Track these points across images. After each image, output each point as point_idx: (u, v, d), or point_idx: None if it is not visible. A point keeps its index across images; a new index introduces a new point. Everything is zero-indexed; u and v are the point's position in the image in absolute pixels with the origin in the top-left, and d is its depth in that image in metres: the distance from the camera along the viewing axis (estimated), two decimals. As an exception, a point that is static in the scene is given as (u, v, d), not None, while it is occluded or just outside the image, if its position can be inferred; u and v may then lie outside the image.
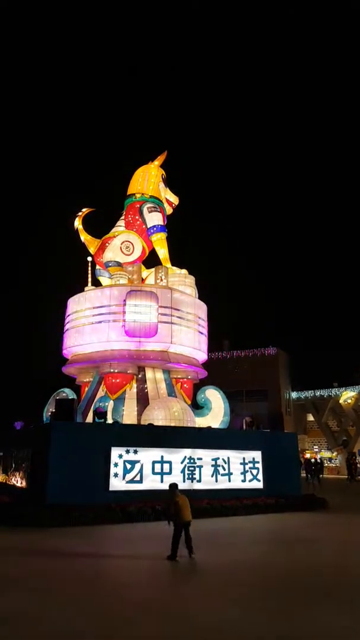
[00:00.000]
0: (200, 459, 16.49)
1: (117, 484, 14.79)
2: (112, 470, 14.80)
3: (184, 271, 22.83)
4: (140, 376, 20.25)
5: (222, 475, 16.85)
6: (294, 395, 48.32)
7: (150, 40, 72.31)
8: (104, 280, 22.73)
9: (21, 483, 16.57)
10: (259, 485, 17.53)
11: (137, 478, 15.16)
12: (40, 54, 71.60)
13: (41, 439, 15.27)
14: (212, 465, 16.72)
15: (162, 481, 15.37)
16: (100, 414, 17.16)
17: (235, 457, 17.30)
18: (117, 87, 76.51)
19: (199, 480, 16.23)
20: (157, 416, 18.02)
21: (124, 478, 14.95)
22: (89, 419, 19.04)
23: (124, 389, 19.52)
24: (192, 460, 16.31)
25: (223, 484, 16.73)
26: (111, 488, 14.66)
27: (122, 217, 23.44)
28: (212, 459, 16.76)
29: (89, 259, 22.94)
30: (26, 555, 9.71)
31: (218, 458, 16.90)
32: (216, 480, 16.64)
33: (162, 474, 15.54)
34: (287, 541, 11.73)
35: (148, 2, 67.13)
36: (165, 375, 20.93)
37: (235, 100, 78.10)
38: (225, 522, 14.05)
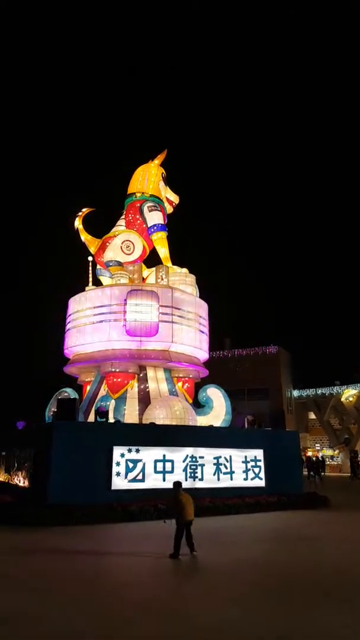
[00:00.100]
0: (202, 457, 16.51)
1: (119, 483, 14.82)
2: (114, 469, 14.83)
3: (185, 270, 22.81)
4: (141, 375, 20.27)
5: (224, 473, 16.87)
6: (295, 393, 48.31)
7: (150, 40, 72.27)
8: (104, 279, 22.74)
9: (23, 482, 16.62)
10: (261, 483, 17.55)
11: (139, 477, 15.19)
12: (40, 54, 71.58)
13: (43, 439, 15.30)
14: (214, 464, 16.74)
15: (164, 480, 15.41)
16: (102, 413, 17.19)
17: (237, 456, 17.32)
18: (117, 87, 76.48)
19: (201, 479, 16.25)
20: (159, 415, 18.04)
21: (126, 477, 14.98)
22: (91, 418, 19.08)
23: (125, 389, 19.54)
24: (194, 459, 16.33)
25: (225, 482, 16.76)
26: (113, 487, 14.69)
27: (123, 217, 23.44)
28: (214, 458, 16.78)
29: (90, 258, 22.93)
30: (28, 555, 9.74)
31: (220, 456, 16.92)
32: (218, 479, 16.66)
33: (164, 472, 15.56)
34: (289, 539, 11.74)
35: (148, 2, 67.06)
36: (166, 375, 20.94)
37: (235, 100, 78.04)
38: (227, 521, 14.07)
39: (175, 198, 24.61)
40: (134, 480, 15.09)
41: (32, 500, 14.40)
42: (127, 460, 15.10)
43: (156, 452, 15.65)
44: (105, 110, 77.43)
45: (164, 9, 69.12)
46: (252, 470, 17.57)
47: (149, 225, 22.62)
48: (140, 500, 14.41)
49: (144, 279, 23.09)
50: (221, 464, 16.90)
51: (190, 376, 22.09)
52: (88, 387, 21.75)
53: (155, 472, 15.45)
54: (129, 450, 15.18)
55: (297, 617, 6.28)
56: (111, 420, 17.80)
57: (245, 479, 17.30)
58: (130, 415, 19.09)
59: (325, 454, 45.26)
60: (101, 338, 19.70)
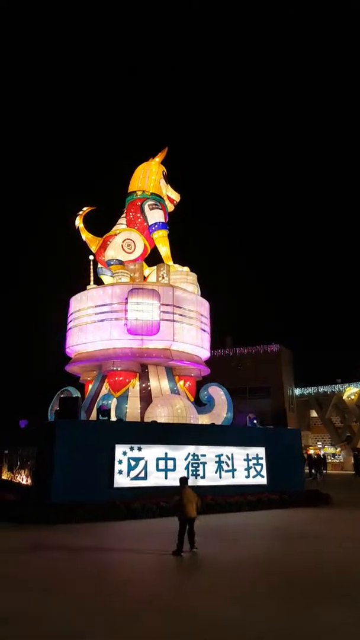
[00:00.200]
0: (204, 455, 16.56)
1: (121, 480, 14.88)
2: (117, 467, 14.89)
3: (186, 268, 22.80)
4: (143, 374, 20.31)
5: (226, 471, 16.92)
6: (297, 391, 48.33)
7: (150, 40, 72.19)
8: (106, 278, 22.75)
9: (26, 481, 16.69)
10: (263, 481, 17.59)
11: (142, 475, 15.24)
12: (41, 54, 71.53)
13: (46, 437, 15.36)
14: (216, 462, 16.79)
15: (166, 478, 15.47)
16: (104, 411, 17.25)
17: (238, 454, 17.36)
18: (117, 87, 76.43)
19: (203, 477, 16.30)
20: (160, 413, 18.09)
21: (128, 475, 15.04)
22: (93, 416, 19.14)
23: (127, 387, 19.59)
24: (195, 457, 16.38)
25: (227, 480, 16.81)
26: (115, 485, 14.75)
27: (123, 215, 23.41)
28: (216, 456, 16.83)
29: (91, 257, 22.94)
30: (31, 553, 9.79)
31: (222, 454, 16.97)
32: (220, 477, 16.71)
33: (166, 470, 15.62)
34: (290, 537, 11.77)
35: (148, 2, 66.97)
36: (168, 373, 20.98)
37: (235, 100, 77.92)
38: (229, 518, 14.11)
39: (176, 196, 24.57)
40: (136, 478, 15.14)
41: (34, 499, 14.46)
42: (129, 459, 15.15)
43: (158, 450, 15.70)
44: (105, 111, 77.43)
45: (164, 9, 69.05)
46: (254, 468, 17.61)
47: (150, 224, 22.60)
48: (142, 498, 14.47)
49: (145, 278, 23.10)
50: (223, 462, 16.94)
51: (192, 375, 22.11)
52: (90, 386, 21.81)
53: (158, 470, 15.51)
54: (131, 449, 15.24)
55: (299, 614, 6.31)
56: (113, 418, 17.85)
57: (247, 477, 17.35)
58: (132, 413, 19.15)
59: (327, 452, 45.28)
60: (102, 337, 19.74)
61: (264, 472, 17.72)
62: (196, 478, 16.03)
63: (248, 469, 17.45)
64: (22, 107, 72.87)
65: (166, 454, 15.81)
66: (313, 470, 29.88)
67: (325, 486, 23.04)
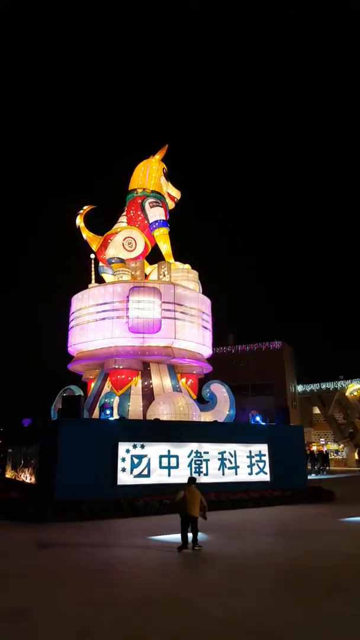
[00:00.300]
0: (206, 452, 16.59)
1: (124, 478, 14.93)
2: (120, 465, 14.93)
3: (187, 266, 22.79)
4: (144, 372, 20.34)
5: (229, 468, 16.95)
6: (299, 388, 48.31)
7: (150, 40, 72.01)
8: (107, 277, 22.77)
9: (30, 479, 16.77)
10: (266, 477, 17.62)
11: (145, 472, 15.29)
12: (41, 54, 71.43)
13: (49, 436, 15.41)
14: (219, 459, 16.82)
15: (169, 475, 15.51)
16: (107, 409, 17.29)
17: (241, 451, 17.38)
18: (117, 87, 76.29)
19: (206, 474, 16.33)
20: (163, 411, 18.12)
21: (131, 473, 15.08)
22: (96, 414, 19.19)
23: (129, 385, 19.63)
24: (198, 454, 16.41)
25: (230, 477, 16.84)
26: (119, 483, 14.80)
27: (124, 213, 23.40)
28: (219, 453, 16.86)
29: (92, 256, 22.96)
30: (36, 550, 9.84)
31: (224, 451, 17.00)
32: (223, 474, 16.74)
33: (169, 468, 15.66)
34: (294, 533, 11.80)
35: (148, 2, 66.76)
36: (170, 371, 21.01)
37: (235, 100, 77.70)
38: (232, 515, 14.14)
39: (177, 193, 24.52)
40: (140, 475, 15.19)
41: (38, 497, 14.52)
42: (132, 456, 15.20)
43: (161, 448, 15.74)
44: (105, 111, 77.34)
45: (164, 9, 68.84)
46: (257, 465, 17.64)
47: (150, 222, 22.57)
48: (145, 495, 14.51)
49: (146, 276, 23.10)
50: (226, 459, 16.98)
51: (194, 372, 22.13)
52: (92, 384, 21.86)
53: (161, 467, 15.55)
54: (134, 446, 15.28)
55: (305, 608, 6.33)
56: (116, 416, 17.90)
57: (250, 474, 17.38)
58: (135, 411, 19.19)
59: (330, 448, 45.28)
60: (104, 335, 19.77)
61: (267, 469, 17.75)
62: (199, 475, 16.05)
63: (251, 465, 17.48)
64: (23, 107, 72.85)
65: (169, 451, 15.85)
66: (316, 467, 30.35)
67: (328, 482, 23.04)
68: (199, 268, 23.24)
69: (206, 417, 20.13)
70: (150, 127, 74.13)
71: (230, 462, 17.05)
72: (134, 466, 15.16)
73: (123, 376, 19.66)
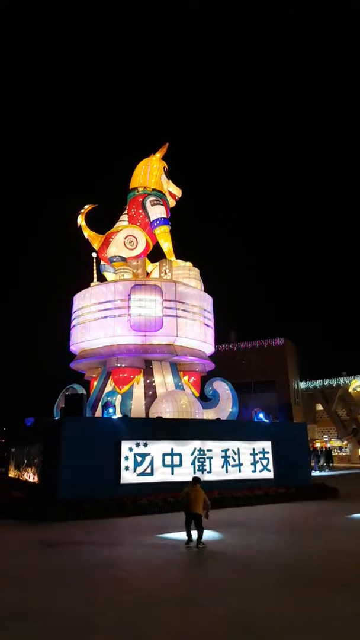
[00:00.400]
0: (210, 450, 16.56)
1: (128, 477, 14.91)
2: (123, 463, 14.92)
3: (189, 264, 22.74)
4: (147, 370, 20.32)
5: (233, 466, 16.92)
6: (302, 385, 48.20)
7: (150, 40, 71.78)
8: (109, 275, 22.75)
9: (33, 478, 16.77)
10: (270, 475, 17.59)
11: (148, 471, 15.27)
12: (41, 53, 71.33)
13: (52, 435, 15.41)
14: (222, 457, 16.79)
15: (172, 473, 15.49)
16: (109, 408, 17.27)
17: (245, 448, 17.35)
18: (117, 87, 76.16)
19: (209, 472, 16.31)
20: (165, 409, 18.10)
21: (134, 471, 15.07)
22: (98, 413, 19.18)
23: (131, 383, 19.61)
24: (202, 452, 16.39)
25: (233, 474, 16.81)
26: (122, 481, 14.78)
27: (125, 212, 23.40)
28: (222, 450, 16.83)
29: (94, 255, 22.95)
30: (40, 549, 9.84)
31: (228, 449, 16.96)
32: (226, 471, 16.71)
33: (172, 466, 15.63)
34: (298, 530, 11.77)
35: (148, 2, 66.55)
36: (172, 369, 20.98)
37: (235, 100, 77.47)
38: (236, 512, 14.12)
39: (177, 191, 24.49)
40: (143, 474, 15.17)
41: (42, 496, 14.52)
42: (135, 455, 15.18)
43: (164, 446, 15.71)
44: (105, 111, 77.25)
45: (164, 9, 68.60)
46: (260, 462, 17.60)
47: (151, 220, 22.55)
48: (149, 494, 14.49)
49: (148, 274, 23.06)
50: (229, 457, 16.94)
51: (196, 370, 22.09)
52: (95, 383, 21.85)
53: (164, 465, 15.53)
54: (137, 445, 15.25)
55: (307, 607, 6.29)
56: (118, 415, 17.88)
57: (254, 471, 17.34)
58: (137, 409, 19.17)
59: (334, 445, 45.21)
60: (106, 333, 19.75)
61: (270, 466, 17.71)
62: (203, 473, 16.03)
63: (254, 463, 17.44)
64: (23, 107, 72.80)
65: (172, 449, 15.82)
66: (320, 464, 30.47)
67: (332, 479, 22.99)
68: (202, 263, 23.22)
69: (209, 414, 20.09)
70: (150, 126, 74.00)
71: (234, 460, 17.02)
72: (137, 465, 15.14)
73: (125, 374, 19.64)
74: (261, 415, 19.91)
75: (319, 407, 49.67)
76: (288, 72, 75.56)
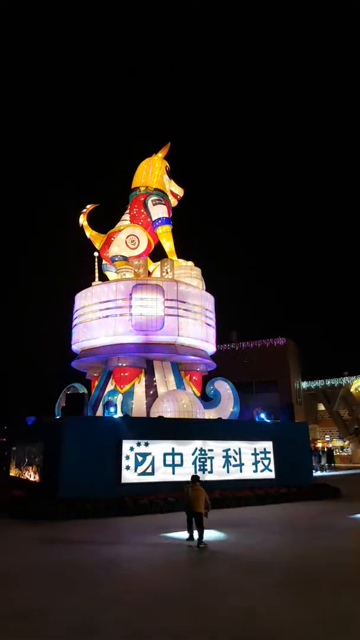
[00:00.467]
0: (211, 450, 16.53)
1: (128, 476, 14.89)
2: (124, 463, 14.90)
3: (190, 263, 22.72)
4: (148, 369, 20.30)
5: (234, 466, 16.89)
6: (304, 385, 48.13)
7: (150, 40, 71.71)
8: (110, 275, 22.75)
9: (34, 477, 16.77)
10: (271, 475, 17.55)
11: (149, 470, 15.25)
12: (41, 53, 71.35)
13: (53, 434, 15.41)
14: (224, 457, 16.76)
15: (173, 473, 15.47)
16: (110, 407, 17.25)
17: (246, 448, 17.32)
18: (117, 87, 76.15)
19: (211, 472, 16.28)
20: (166, 408, 18.07)
21: (135, 470, 15.05)
22: (99, 412, 19.17)
23: (132, 382, 19.59)
24: (203, 452, 16.36)
25: (235, 474, 16.78)
26: (123, 481, 14.77)
27: (127, 211, 23.41)
28: (223, 450, 16.80)
29: (96, 254, 22.96)
30: (41, 548, 9.84)
31: (229, 449, 16.93)
32: (227, 471, 16.68)
33: (173, 465, 15.61)
34: (300, 530, 11.74)
35: (148, 2, 66.48)
36: (173, 368, 20.96)
37: (236, 100, 77.38)
38: (238, 512, 14.09)
39: (179, 191, 24.48)
40: (144, 473, 15.15)
41: (43, 495, 14.52)
42: (136, 454, 15.16)
43: (165, 446, 15.69)
44: (105, 110, 77.24)
45: (164, 9, 68.53)
46: (262, 462, 17.57)
47: (153, 219, 22.54)
48: (150, 493, 14.47)
49: (149, 273, 23.04)
50: (230, 457, 16.91)
51: (198, 369, 22.07)
52: (96, 382, 21.85)
53: (165, 465, 15.50)
54: (138, 444, 15.24)
55: (308, 607, 6.27)
56: (119, 414, 17.87)
57: (255, 471, 17.31)
58: (138, 409, 19.15)
59: (335, 445, 45.13)
60: (107, 333, 19.74)
61: (271, 466, 17.67)
62: (204, 473, 16.01)
63: (256, 463, 17.41)
64: (23, 107, 72.84)
65: (173, 449, 15.79)
66: (321, 464, 30.45)
67: (334, 479, 22.94)
68: (203, 262, 23.19)
69: (210, 414, 20.06)
70: (150, 127, 73.99)
71: (235, 460, 16.99)
72: (138, 464, 15.12)
73: (127, 374, 19.63)
74: (262, 415, 19.87)
75: (321, 407, 49.58)
76: (288, 72, 75.46)
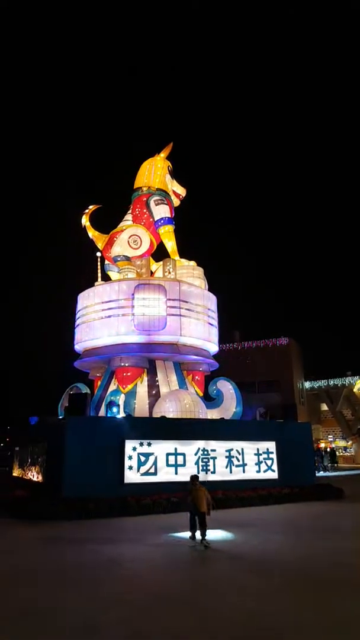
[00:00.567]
0: (214, 450, 16.51)
1: (131, 476, 14.89)
2: (127, 463, 14.90)
3: (193, 263, 22.71)
4: (151, 369, 20.30)
5: (237, 466, 16.86)
6: (307, 385, 48.03)
7: (150, 40, 71.72)
8: (113, 275, 22.78)
9: (37, 477, 16.79)
10: (274, 475, 17.51)
11: (152, 470, 15.24)
12: (41, 54, 71.45)
13: (56, 434, 15.41)
14: (226, 457, 16.73)
15: (176, 473, 15.45)
16: (113, 407, 17.26)
17: (249, 448, 17.28)
18: (117, 87, 76.17)
19: (213, 472, 16.25)
20: (169, 408, 18.06)
21: (138, 471, 15.04)
22: (102, 412, 19.18)
23: (135, 382, 19.60)
24: (205, 452, 16.33)
25: (237, 474, 16.75)
26: (126, 481, 14.76)
27: (130, 211, 23.42)
28: (226, 450, 16.77)
29: (98, 254, 22.99)
30: (43, 548, 9.84)
31: (232, 449, 16.90)
32: (230, 471, 16.65)
33: (176, 465, 15.60)
34: (303, 531, 11.70)
35: (148, 2, 66.49)
36: (176, 368, 20.95)
37: (236, 100, 77.27)
38: (240, 513, 14.06)
39: (182, 190, 24.48)
40: (146, 473, 15.14)
41: (46, 495, 14.53)
42: (139, 454, 15.15)
43: (168, 446, 15.68)
44: (105, 110, 77.30)
45: (164, 9, 68.52)
46: (265, 462, 17.53)
47: (155, 219, 22.55)
48: (153, 493, 14.46)
49: (152, 273, 23.05)
50: (233, 457, 16.88)
51: (200, 369, 22.05)
52: (99, 382, 21.87)
53: (167, 465, 15.49)
54: (141, 444, 15.23)
55: (313, 607, 6.23)
56: (122, 414, 17.87)
57: (258, 472, 17.27)
58: (141, 409, 19.15)
59: (338, 445, 45.02)
60: (110, 333, 19.75)
61: (274, 467, 17.63)
62: (206, 473, 15.99)
63: (259, 463, 17.37)
64: (23, 107, 72.95)
65: (176, 449, 15.78)
66: (324, 464, 30.43)
67: (337, 479, 22.87)
68: (206, 262, 23.18)
69: (213, 414, 20.04)
70: (150, 127, 74.03)
71: (238, 460, 16.96)
72: (140, 464, 15.12)
73: (129, 374, 19.63)
74: (263, 414, 19.86)
75: (324, 407, 49.48)
76: (288, 72, 75.36)
